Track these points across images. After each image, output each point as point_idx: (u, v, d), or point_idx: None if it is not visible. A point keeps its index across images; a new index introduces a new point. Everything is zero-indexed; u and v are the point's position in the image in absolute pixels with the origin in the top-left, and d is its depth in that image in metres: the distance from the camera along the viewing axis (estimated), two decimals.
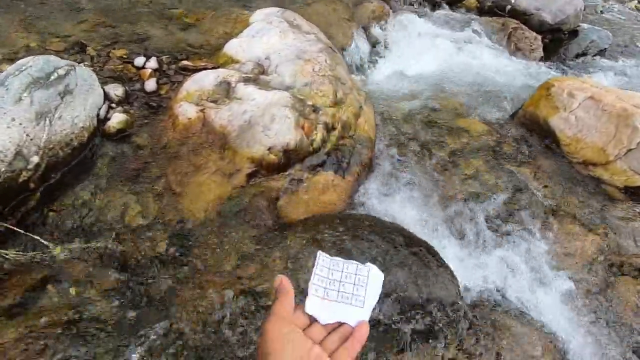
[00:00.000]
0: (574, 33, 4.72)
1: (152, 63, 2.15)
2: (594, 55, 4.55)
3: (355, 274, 0.59)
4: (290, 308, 0.58)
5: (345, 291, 0.58)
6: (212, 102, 1.95)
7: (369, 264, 0.60)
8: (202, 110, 1.90)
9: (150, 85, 2.04)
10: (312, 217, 1.74)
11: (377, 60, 3.50)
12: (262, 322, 0.56)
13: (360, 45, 3.45)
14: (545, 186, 2.34)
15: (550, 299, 1.69)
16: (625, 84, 4.08)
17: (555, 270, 1.83)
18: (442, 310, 1.45)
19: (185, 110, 1.89)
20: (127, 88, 2.02)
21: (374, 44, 3.68)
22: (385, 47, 3.66)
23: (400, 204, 1.99)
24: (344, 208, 1.89)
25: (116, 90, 1.94)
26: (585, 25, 4.85)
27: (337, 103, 2.09)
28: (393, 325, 1.35)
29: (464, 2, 5.19)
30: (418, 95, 3.13)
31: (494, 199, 2.14)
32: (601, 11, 6.46)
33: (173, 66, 2.23)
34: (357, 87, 2.54)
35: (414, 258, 1.56)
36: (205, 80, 2.03)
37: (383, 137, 2.47)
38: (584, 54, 4.63)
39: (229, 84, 2.00)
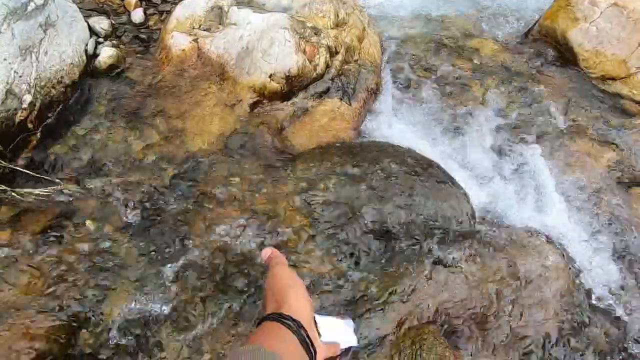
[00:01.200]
0: None
1: None
2: None
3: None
4: (285, 260, 0.60)
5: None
6: (205, 30, 1.81)
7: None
8: (195, 40, 1.77)
9: (138, 16, 1.90)
10: (319, 145, 1.70)
11: None
12: (269, 268, 0.58)
13: None
14: (561, 103, 2.24)
15: (561, 215, 1.69)
16: None
17: (567, 187, 1.81)
18: (458, 225, 1.46)
19: (178, 41, 1.77)
20: (112, 21, 1.88)
21: None
22: None
23: (410, 129, 1.93)
24: (351, 135, 1.83)
25: (101, 24, 1.81)
26: None
27: (339, 24, 1.94)
28: (416, 239, 1.37)
29: None
30: (424, 15, 2.90)
31: (507, 117, 2.06)
32: None
33: None
34: (360, 7, 2.34)
35: (427, 177, 1.54)
36: (195, 5, 1.87)
37: (389, 61, 2.33)
38: None
39: (221, 8, 1.85)
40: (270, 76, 1.67)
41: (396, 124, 1.94)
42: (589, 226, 1.70)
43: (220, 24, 1.83)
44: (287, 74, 1.68)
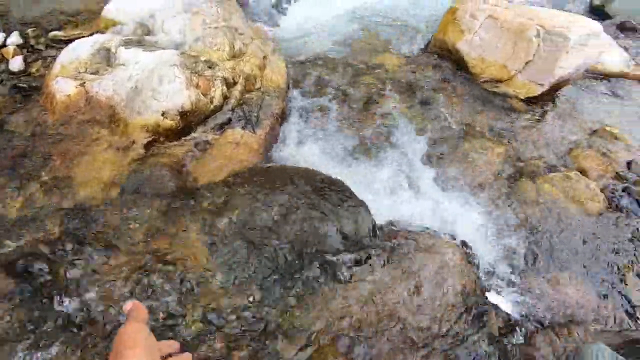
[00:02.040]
0: None
1: (15, 38, 1.88)
2: None
3: None
4: (145, 316, 0.62)
5: None
6: (92, 73, 1.75)
7: None
8: (82, 85, 1.71)
9: (16, 64, 1.79)
10: (225, 177, 1.69)
11: (284, 5, 3.32)
12: (125, 322, 0.59)
13: None
14: (458, 109, 2.44)
15: (460, 212, 1.81)
16: (532, 2, 4.24)
17: (464, 186, 1.95)
18: (361, 238, 1.51)
19: (63, 87, 1.69)
20: None
21: None
22: None
23: (317, 150, 1.98)
24: (258, 163, 1.85)
25: None
26: None
27: (236, 55, 1.97)
28: (319, 260, 1.39)
29: None
30: (333, 35, 3.05)
31: (408, 129, 2.19)
32: None
33: (43, 40, 1.96)
34: (263, 36, 2.41)
35: (331, 196, 1.58)
36: (80, 49, 1.81)
37: (296, 84, 2.41)
38: None
39: (108, 50, 1.80)
40: (162, 114, 1.64)
41: (303, 147, 1.99)
42: (486, 219, 1.84)
43: (108, 65, 1.78)
44: (181, 110, 1.66)
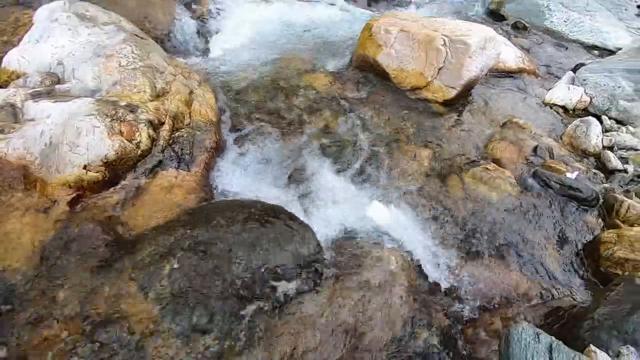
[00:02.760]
0: None
1: None
2: None
3: None
4: None
5: None
6: None
7: None
8: None
9: None
10: (163, 221, 1.64)
11: (209, 34, 3.31)
12: None
13: (185, 22, 3.21)
14: (386, 118, 2.60)
15: (398, 218, 1.93)
16: (436, 10, 4.67)
17: (399, 192, 2.08)
18: (308, 261, 1.55)
19: None
20: None
21: (200, 17, 3.45)
22: (214, 18, 3.46)
23: (255, 178, 2.00)
24: (198, 200, 1.81)
25: None
26: None
27: (158, 95, 1.93)
28: (269, 286, 1.40)
29: None
30: (260, 60, 3.09)
31: (342, 145, 2.29)
32: None
33: None
34: (186, 70, 2.37)
35: (274, 224, 1.60)
36: None
37: (229, 114, 2.40)
38: None
39: (13, 105, 1.68)
40: (85, 167, 1.56)
41: (241, 177, 1.99)
42: (422, 219, 1.98)
43: (15, 122, 1.65)
44: (105, 161, 1.59)
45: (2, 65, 1.97)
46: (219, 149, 2.09)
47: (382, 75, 2.96)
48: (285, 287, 1.45)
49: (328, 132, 2.42)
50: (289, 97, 2.71)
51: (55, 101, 1.68)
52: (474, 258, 1.81)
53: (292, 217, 1.66)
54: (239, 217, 1.60)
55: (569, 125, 2.64)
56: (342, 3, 4.34)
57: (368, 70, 3.04)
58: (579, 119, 2.64)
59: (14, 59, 1.96)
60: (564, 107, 2.92)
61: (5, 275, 1.33)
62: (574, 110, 2.90)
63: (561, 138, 2.63)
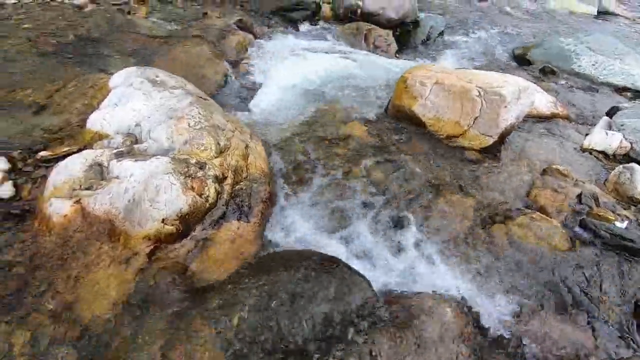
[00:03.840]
0: (416, 23, 5.46)
1: (2, 164, 1.92)
2: (436, 38, 5.32)
3: None
4: None
5: None
6: (86, 189, 1.82)
7: None
8: (77, 202, 1.76)
9: (5, 190, 1.83)
10: (226, 272, 1.75)
11: (255, 88, 3.60)
12: None
13: (234, 79, 3.52)
14: (425, 166, 2.70)
15: (445, 268, 1.97)
16: (462, 57, 4.88)
17: (446, 240, 2.13)
18: (363, 312, 1.60)
19: (58, 208, 1.74)
20: None
21: (246, 72, 3.78)
22: (259, 74, 3.78)
23: (308, 228, 2.11)
24: (257, 250, 1.94)
25: None
26: (422, 15, 5.64)
27: (221, 151, 2.13)
28: (329, 337, 1.46)
29: (321, 14, 5.60)
30: (301, 111, 3.31)
31: (385, 194, 2.40)
32: None
33: (30, 161, 2.02)
34: (240, 125, 2.60)
35: (328, 277, 1.68)
36: (72, 167, 1.88)
37: (278, 166, 2.58)
38: (428, 39, 5.38)
39: (100, 165, 1.90)
40: (163, 221, 1.72)
41: (294, 227, 2.11)
42: (472, 269, 2.00)
43: (102, 180, 1.86)
44: (180, 214, 1.75)
45: (87, 126, 2.24)
46: (271, 200, 2.24)
47: (418, 124, 3.10)
48: (345, 337, 1.50)
49: (370, 181, 2.53)
50: (331, 146, 2.88)
51: (136, 160, 1.89)
52: (529, 311, 1.80)
53: (348, 268, 1.74)
54: (298, 268, 1.70)
55: (612, 172, 2.65)
56: (374, 55, 4.63)
57: (404, 119, 3.20)
58: (621, 166, 2.65)
59: (97, 121, 2.23)
60: (603, 153, 2.94)
61: (94, 325, 1.46)
62: (614, 155, 2.92)
63: (605, 185, 2.63)
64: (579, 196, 2.42)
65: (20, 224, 1.75)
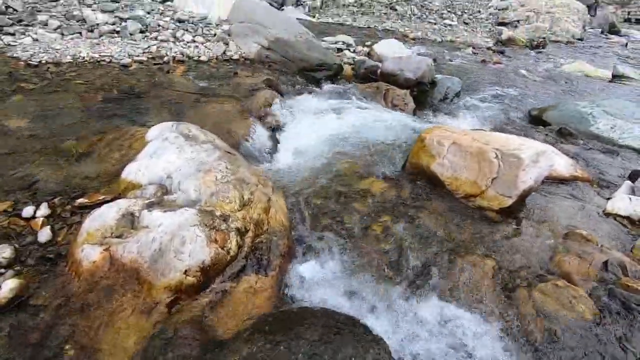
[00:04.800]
0: (433, 83, 5.74)
1: (43, 210, 2.07)
2: (452, 99, 5.54)
3: None
4: None
5: None
6: (117, 237, 1.92)
7: None
8: (107, 249, 1.85)
9: (44, 235, 1.95)
10: (244, 326, 1.75)
11: (278, 144, 3.79)
12: None
13: (259, 134, 3.74)
14: (443, 225, 2.70)
15: (464, 335, 1.90)
16: (478, 117, 5.04)
17: (467, 304, 2.08)
18: None
19: (89, 254, 1.83)
20: (16, 245, 1.89)
21: (272, 128, 4.00)
22: (283, 130, 4.00)
23: (326, 285, 2.11)
24: (274, 305, 1.94)
25: (3, 253, 1.80)
26: (439, 76, 5.94)
27: (245, 205, 2.22)
28: None
29: (342, 73, 5.99)
30: (322, 166, 3.44)
31: (404, 254, 2.39)
32: (450, 59, 7.97)
33: (68, 207, 2.16)
34: (263, 178, 2.72)
35: (346, 339, 1.65)
36: (106, 215, 2.00)
37: (297, 219, 2.64)
38: (445, 98, 5.62)
39: (132, 214, 2.01)
40: (185, 272, 1.77)
41: (312, 283, 2.11)
42: (495, 336, 1.92)
43: (132, 228, 1.96)
44: (202, 266, 1.81)
45: (122, 176, 2.40)
46: (290, 254, 2.27)
47: (435, 182, 3.15)
48: None
49: (389, 239, 2.54)
50: (349, 201, 2.94)
51: (165, 211, 2.00)
52: None
53: (367, 330, 1.72)
54: (316, 327, 1.69)
55: (639, 239, 2.58)
56: (392, 112, 4.85)
57: (421, 177, 3.27)
58: None
59: (132, 171, 2.39)
60: (628, 218, 2.88)
61: None
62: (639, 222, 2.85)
63: (632, 252, 2.55)
64: (605, 263, 2.34)
65: (53, 268, 1.84)
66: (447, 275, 2.25)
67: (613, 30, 16.33)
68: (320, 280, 2.15)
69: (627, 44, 12.97)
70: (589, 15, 14.47)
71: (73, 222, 2.07)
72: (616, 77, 7.79)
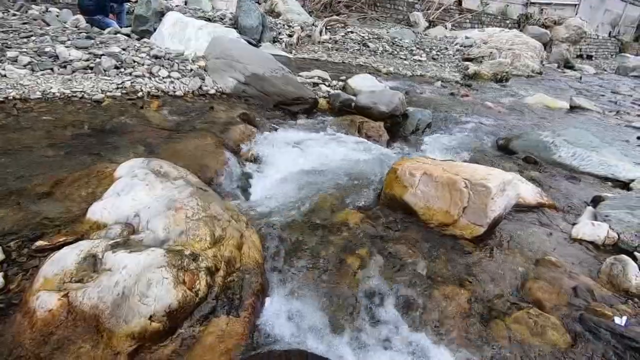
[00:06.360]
0: (405, 116, 5.96)
1: None
2: (424, 130, 5.76)
3: None
4: None
5: None
6: (77, 282, 1.81)
7: None
8: (65, 295, 1.74)
9: None
10: None
11: (253, 178, 3.78)
12: None
13: (234, 168, 3.72)
14: (418, 256, 2.71)
15: None
16: (448, 147, 5.23)
17: (444, 336, 2.05)
18: None
19: (44, 302, 1.71)
20: None
21: (246, 161, 4.00)
22: (258, 163, 4.01)
23: (298, 323, 2.04)
24: (246, 346, 1.85)
25: None
26: (411, 109, 6.19)
27: (216, 242, 2.16)
28: None
29: (318, 106, 6.14)
30: (297, 199, 3.43)
31: (380, 286, 2.37)
32: (420, 92, 8.35)
33: (25, 250, 2.04)
34: (236, 213, 2.68)
35: None
36: (66, 259, 1.90)
37: (271, 255, 2.59)
38: (417, 129, 5.83)
39: (94, 256, 1.91)
40: (150, 317, 1.68)
41: (286, 322, 2.04)
42: None
43: (94, 272, 1.86)
44: (168, 310, 1.72)
45: (87, 215, 2.31)
46: (263, 292, 2.21)
47: (409, 212, 3.20)
48: None
49: (364, 272, 2.52)
50: (326, 234, 2.92)
51: (131, 251, 1.92)
52: None
53: None
54: None
55: (604, 264, 2.67)
56: (367, 144, 4.97)
57: (396, 207, 3.31)
58: (612, 257, 2.68)
59: (98, 211, 2.31)
60: (593, 243, 2.99)
61: None
62: (603, 246, 2.96)
63: (598, 276, 2.63)
64: (575, 289, 2.40)
65: (4, 319, 1.70)
66: (423, 308, 2.23)
67: (568, 65, 17.76)
68: (295, 319, 2.08)
69: (580, 77, 14.09)
70: (545, 52, 15.70)
71: (29, 267, 1.95)
72: (573, 108, 8.36)
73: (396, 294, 2.33)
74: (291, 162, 4.07)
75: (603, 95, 11.17)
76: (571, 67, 17.48)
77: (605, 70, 19.57)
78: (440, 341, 2.03)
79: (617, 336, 2.03)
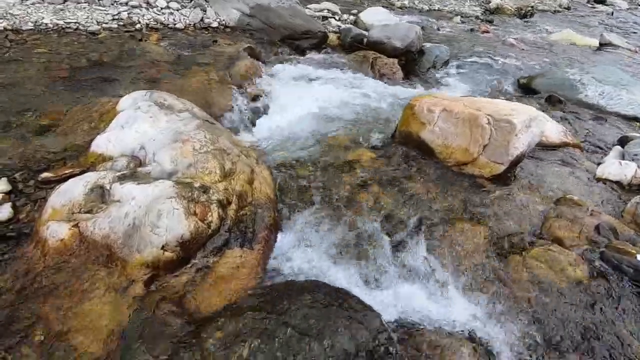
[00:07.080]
0: (422, 52, 5.55)
1: (3, 186, 1.88)
2: (441, 67, 5.39)
3: None
4: None
5: None
6: (86, 212, 1.76)
7: None
8: (75, 225, 1.70)
9: (4, 213, 1.77)
10: (228, 303, 1.65)
11: (261, 114, 3.61)
12: None
13: (241, 104, 3.54)
14: (435, 193, 2.62)
15: (461, 302, 1.86)
16: (467, 86, 4.92)
17: (459, 273, 2.02)
18: (374, 347, 1.48)
19: (55, 231, 1.68)
20: None
21: (254, 98, 3.79)
22: (266, 98, 3.80)
23: (314, 256, 2.02)
24: (260, 279, 1.84)
25: None
26: (427, 45, 5.74)
27: (226, 175, 2.08)
28: None
29: (328, 42, 5.72)
30: (308, 137, 3.29)
31: (395, 223, 2.31)
32: (438, 28, 7.74)
33: (32, 182, 1.98)
34: (246, 149, 2.57)
35: (337, 311, 1.57)
36: (73, 190, 1.84)
37: (283, 191, 2.51)
38: (433, 67, 5.46)
39: (102, 187, 1.85)
40: (162, 247, 1.64)
41: (300, 255, 2.02)
42: (488, 305, 1.88)
43: (103, 203, 1.80)
44: (181, 241, 1.68)
45: (91, 148, 2.22)
46: (276, 226, 2.16)
47: (426, 150, 3.05)
48: None
49: (379, 209, 2.45)
50: (337, 172, 2.82)
51: (139, 183, 1.84)
52: (553, 352, 1.67)
53: (357, 301, 1.64)
54: (305, 301, 1.60)
55: (629, 203, 2.56)
56: (380, 82, 4.68)
57: (411, 146, 3.15)
58: (638, 196, 2.56)
59: (102, 143, 2.21)
60: (618, 183, 2.85)
61: (86, 356, 1.36)
62: (629, 185, 2.83)
63: (622, 216, 2.53)
64: (597, 228, 2.32)
65: (16, 247, 1.68)
66: (439, 244, 2.18)
67: None
68: (308, 252, 2.05)
69: (612, 12, 12.89)
70: None
71: (37, 198, 1.90)
72: (603, 45, 7.72)
73: (412, 230, 2.27)
74: (300, 100, 3.85)
75: (636, 33, 10.29)
76: (602, 2, 15.98)
77: None
78: (456, 276, 2.00)
79: None
